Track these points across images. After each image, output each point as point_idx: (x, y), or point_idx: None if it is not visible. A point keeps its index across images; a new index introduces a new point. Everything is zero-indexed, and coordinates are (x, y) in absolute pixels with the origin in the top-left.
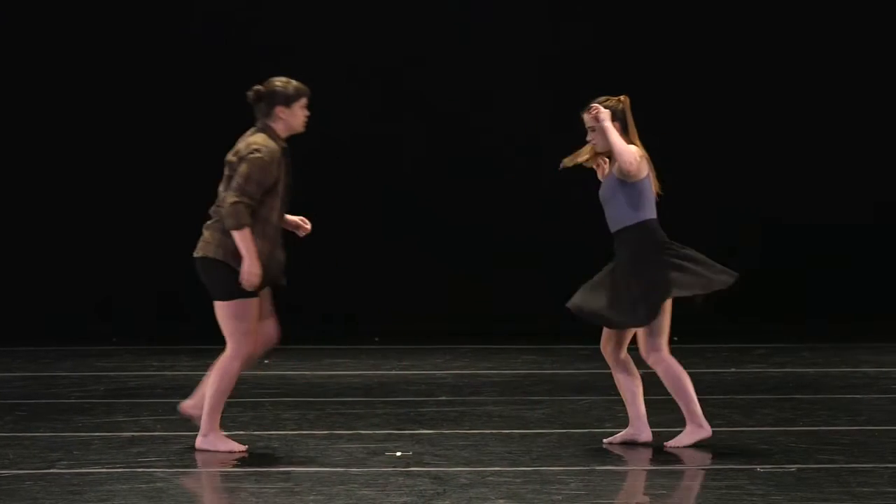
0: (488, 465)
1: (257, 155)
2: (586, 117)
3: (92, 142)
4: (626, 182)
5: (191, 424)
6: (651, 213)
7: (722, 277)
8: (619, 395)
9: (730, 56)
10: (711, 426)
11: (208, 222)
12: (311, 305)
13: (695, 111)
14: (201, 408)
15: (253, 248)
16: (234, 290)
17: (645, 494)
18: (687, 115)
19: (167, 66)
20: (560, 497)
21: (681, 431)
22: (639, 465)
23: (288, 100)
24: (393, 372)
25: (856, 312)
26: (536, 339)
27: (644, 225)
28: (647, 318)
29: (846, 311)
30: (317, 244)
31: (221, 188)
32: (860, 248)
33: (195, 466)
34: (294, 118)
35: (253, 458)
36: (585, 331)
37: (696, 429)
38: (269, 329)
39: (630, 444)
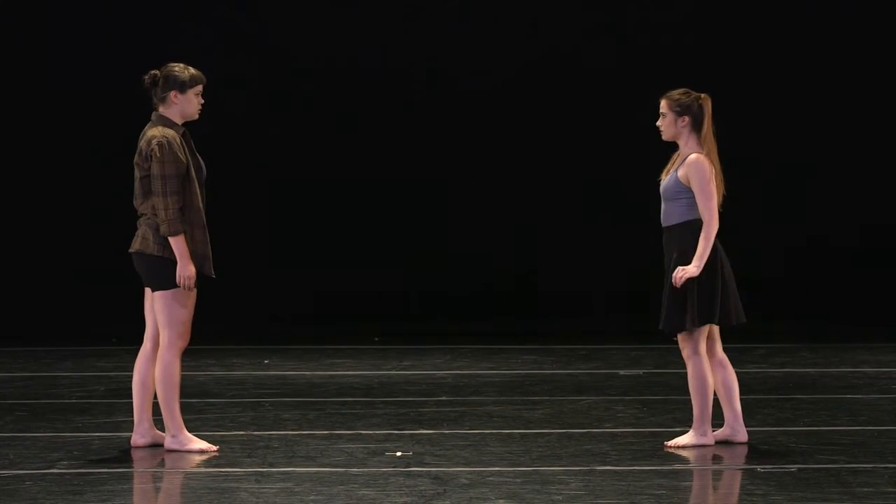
0: (488, 466)
1: (159, 152)
2: (662, 104)
3: (89, 142)
4: (689, 185)
5: (190, 425)
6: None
7: (741, 313)
8: (617, 395)
9: (724, 53)
10: (712, 426)
11: (141, 219)
12: (315, 303)
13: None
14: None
15: (186, 252)
16: (172, 279)
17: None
18: None
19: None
20: (560, 497)
21: (682, 432)
22: (638, 466)
23: (183, 86)
24: (393, 372)
25: (855, 312)
26: (536, 340)
27: (693, 224)
28: (685, 327)
29: (846, 311)
30: (319, 243)
31: (137, 189)
32: (861, 247)
33: (196, 466)
34: (188, 104)
35: (253, 458)
36: (584, 331)
37: (700, 436)
38: None
39: (726, 443)
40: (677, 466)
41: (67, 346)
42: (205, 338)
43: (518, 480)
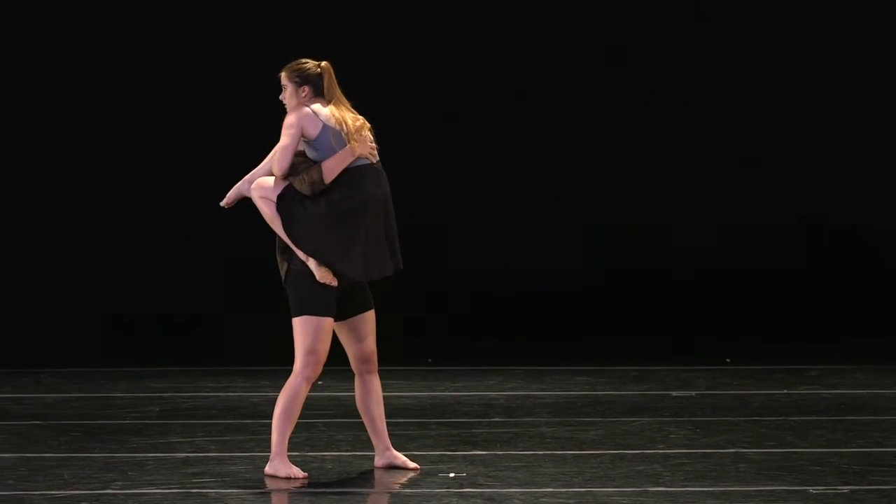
0: (542, 486)
1: None
2: (282, 76)
3: (147, 159)
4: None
5: (245, 446)
6: None
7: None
8: (670, 416)
9: (723, 55)
10: (764, 448)
11: None
12: None
13: (729, 118)
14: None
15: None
16: (303, 307)
17: None
18: (733, 124)
19: (180, 79)
20: None
21: (735, 454)
22: (691, 486)
23: None
24: (446, 393)
25: None
26: (589, 361)
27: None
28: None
29: None
30: None
31: None
32: None
33: (249, 487)
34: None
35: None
36: (637, 353)
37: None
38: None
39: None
40: (729, 487)
41: (121, 367)
42: (258, 359)
43: (571, 501)
